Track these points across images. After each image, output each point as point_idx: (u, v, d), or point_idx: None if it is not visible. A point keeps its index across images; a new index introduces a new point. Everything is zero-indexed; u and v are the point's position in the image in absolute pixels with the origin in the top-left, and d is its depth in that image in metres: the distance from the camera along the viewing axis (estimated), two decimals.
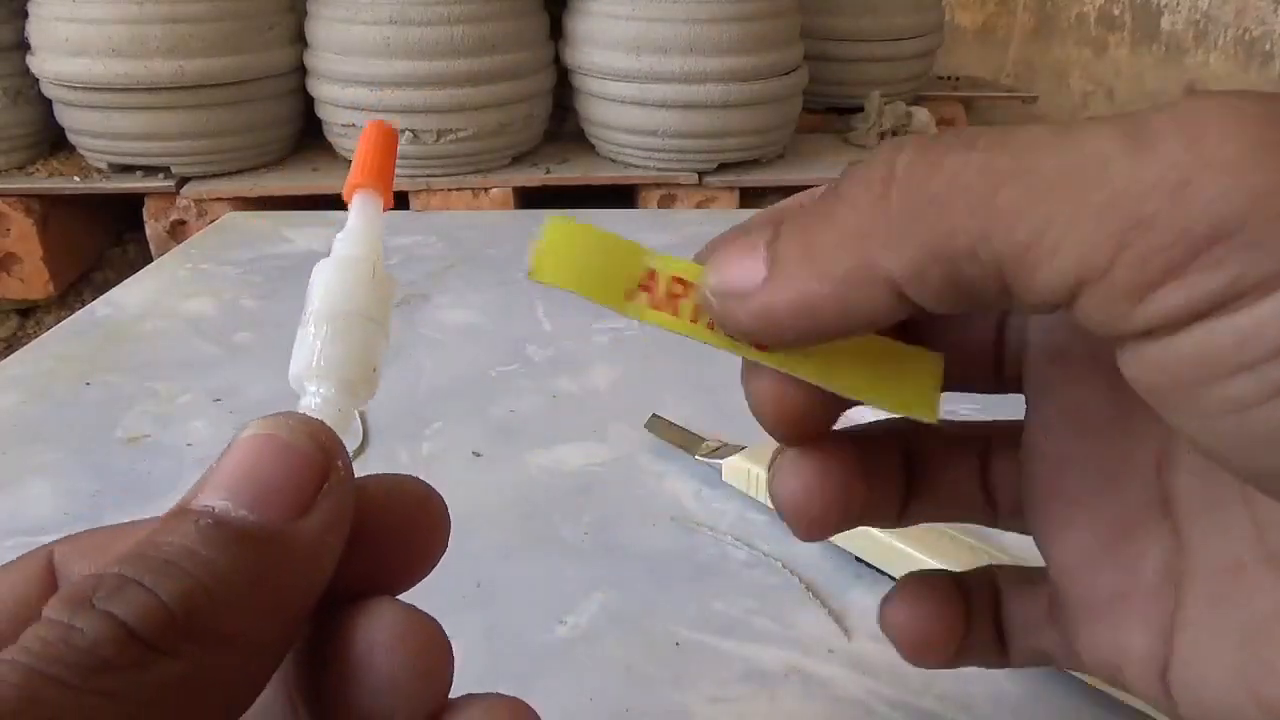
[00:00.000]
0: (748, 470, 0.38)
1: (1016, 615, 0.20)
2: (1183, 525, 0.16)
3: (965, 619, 0.21)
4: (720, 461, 0.39)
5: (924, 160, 0.14)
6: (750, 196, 1.44)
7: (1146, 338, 0.13)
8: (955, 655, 0.21)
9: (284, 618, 0.14)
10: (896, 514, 0.21)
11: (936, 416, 0.18)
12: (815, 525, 0.19)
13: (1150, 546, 0.16)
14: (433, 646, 0.15)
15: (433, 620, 0.15)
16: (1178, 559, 0.16)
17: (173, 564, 0.13)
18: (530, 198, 1.41)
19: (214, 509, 0.14)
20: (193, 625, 0.12)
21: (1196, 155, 0.12)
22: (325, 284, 0.18)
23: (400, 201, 1.39)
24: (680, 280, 0.18)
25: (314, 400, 0.17)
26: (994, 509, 0.21)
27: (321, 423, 0.15)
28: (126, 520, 0.17)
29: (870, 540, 0.34)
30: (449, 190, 1.38)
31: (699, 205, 1.41)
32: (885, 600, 0.21)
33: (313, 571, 0.14)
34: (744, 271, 0.16)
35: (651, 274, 0.18)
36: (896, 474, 0.20)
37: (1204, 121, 0.12)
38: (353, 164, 0.19)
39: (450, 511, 0.18)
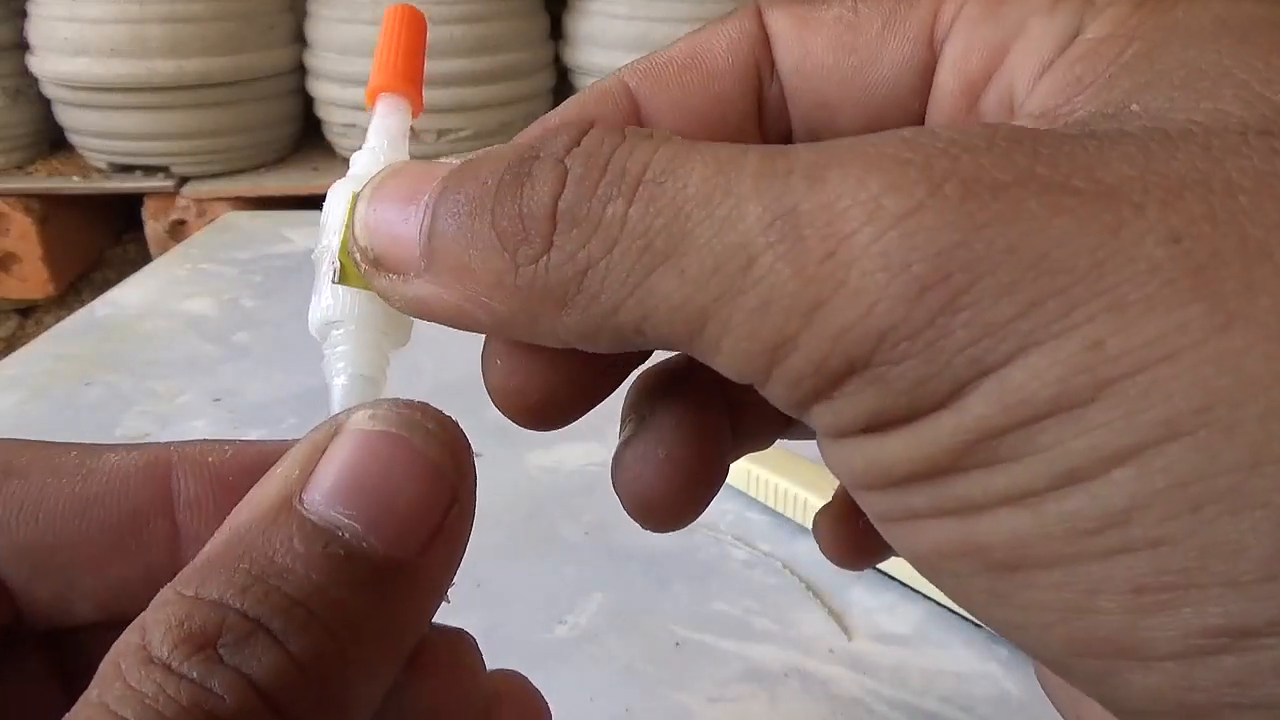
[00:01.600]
0: (748, 471, 0.38)
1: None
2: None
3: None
4: None
5: (584, 208, 0.12)
6: None
7: (824, 436, 0.13)
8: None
9: (397, 665, 0.12)
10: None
11: None
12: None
13: None
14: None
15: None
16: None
17: (301, 607, 0.11)
18: None
19: (342, 531, 0.12)
20: (326, 690, 0.11)
21: (838, 258, 0.11)
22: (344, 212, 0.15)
23: None
24: None
25: (342, 349, 0.15)
26: None
27: (454, 424, 0.13)
28: None
29: None
30: None
31: None
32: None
33: (428, 615, 0.13)
34: (398, 247, 0.13)
35: None
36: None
37: (856, 195, 0.11)
38: (374, 59, 0.16)
39: None
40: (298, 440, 0.13)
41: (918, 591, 0.33)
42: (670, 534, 0.38)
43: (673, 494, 0.17)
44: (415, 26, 0.16)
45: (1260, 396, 0.10)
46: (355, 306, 0.15)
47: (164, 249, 1.33)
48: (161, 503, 0.14)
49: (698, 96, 0.16)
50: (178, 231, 1.38)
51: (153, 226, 1.39)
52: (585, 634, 0.32)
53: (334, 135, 1.41)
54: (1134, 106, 0.11)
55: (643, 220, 0.12)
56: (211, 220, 0.80)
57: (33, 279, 1.40)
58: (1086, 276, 0.10)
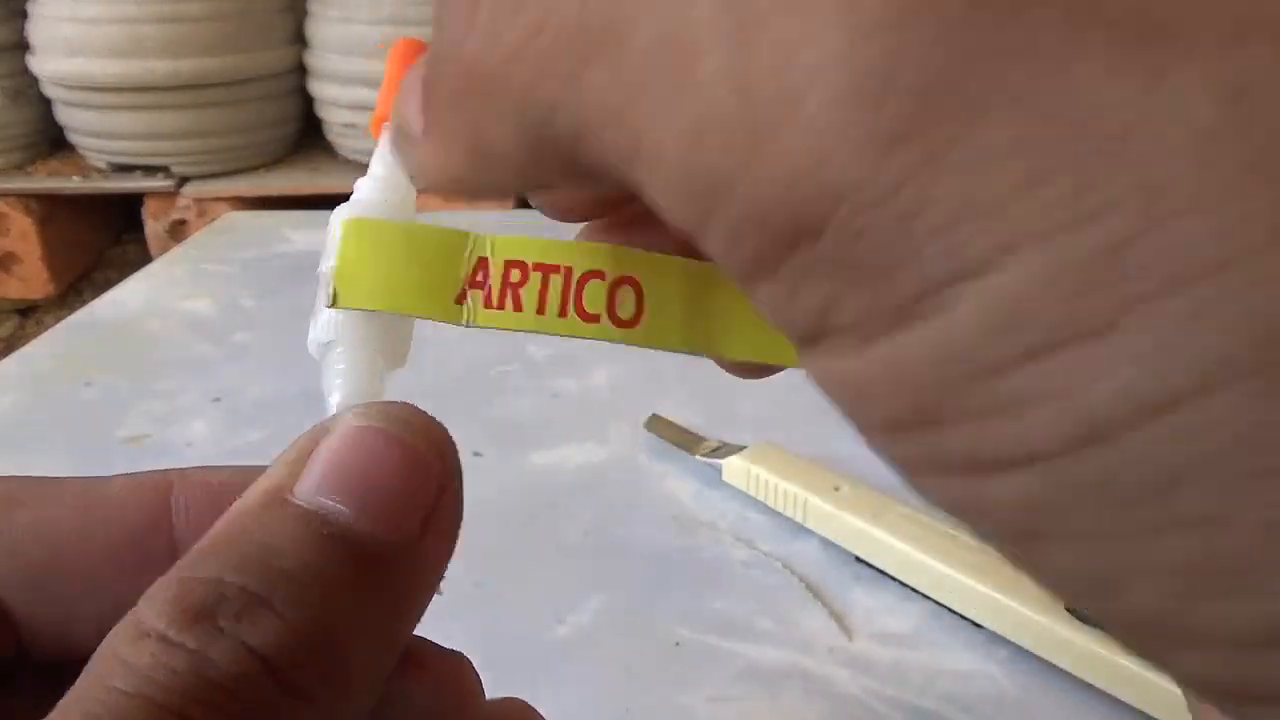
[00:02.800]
0: (748, 470, 0.38)
1: None
2: None
3: None
4: (720, 461, 0.39)
5: None
6: None
7: (785, 333, 0.10)
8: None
9: (394, 656, 0.12)
10: None
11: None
12: None
13: None
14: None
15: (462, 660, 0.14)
16: None
17: (296, 580, 0.11)
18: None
19: (335, 514, 0.12)
20: (327, 663, 0.11)
21: (794, 74, 0.08)
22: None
23: None
24: (517, 264, 0.15)
25: (339, 368, 0.15)
26: None
27: (438, 424, 0.13)
28: None
29: (870, 539, 0.34)
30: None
31: None
32: None
33: (424, 600, 0.13)
34: (410, 110, 0.12)
35: (482, 264, 0.15)
36: None
37: None
38: (379, 94, 0.16)
39: None
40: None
41: (918, 592, 0.33)
42: (670, 534, 0.38)
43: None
44: (417, 58, 0.17)
45: None
46: (351, 328, 0.15)
47: (164, 249, 1.33)
48: (161, 523, 0.14)
49: None
50: (178, 231, 1.38)
51: (153, 226, 1.39)
52: (585, 634, 0.32)
53: (334, 135, 1.41)
54: None
55: None
56: (212, 220, 0.80)
57: (33, 279, 1.40)
58: (1111, 145, 0.07)
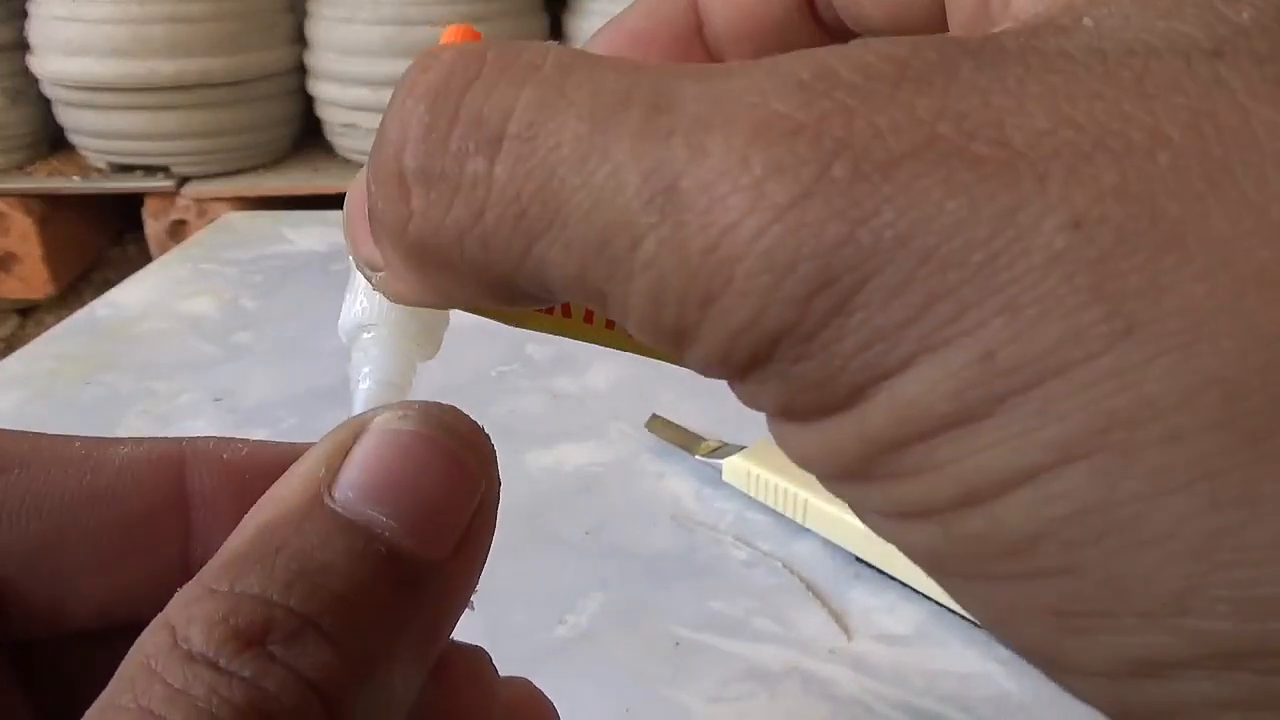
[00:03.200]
0: (748, 470, 0.38)
1: None
2: None
3: None
4: (720, 461, 0.39)
5: (437, 165, 0.11)
6: None
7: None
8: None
9: (428, 668, 0.12)
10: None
11: None
12: None
13: None
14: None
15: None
16: None
17: (348, 604, 0.11)
18: None
19: (383, 531, 0.11)
20: (373, 690, 0.11)
21: (722, 253, 0.10)
22: None
23: None
24: None
25: (371, 353, 0.15)
26: None
27: (482, 432, 0.13)
28: None
29: (871, 539, 0.34)
30: None
31: None
32: None
33: (457, 612, 0.13)
34: (366, 251, 0.13)
35: None
36: None
37: (738, 178, 0.10)
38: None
39: None
40: (314, 443, 0.13)
41: (918, 592, 0.33)
42: (670, 534, 0.38)
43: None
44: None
45: (1161, 418, 0.09)
46: (388, 311, 0.15)
47: (164, 249, 1.33)
48: (175, 499, 0.14)
49: None
50: (178, 231, 1.38)
51: (153, 226, 1.39)
52: (585, 634, 0.32)
53: (334, 135, 1.41)
54: (1087, 20, 0.10)
55: (511, 183, 0.10)
56: (212, 220, 0.80)
57: (33, 279, 1.40)
58: (979, 274, 0.09)
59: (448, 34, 0.16)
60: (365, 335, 0.15)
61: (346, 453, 0.12)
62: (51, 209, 1.40)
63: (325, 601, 0.11)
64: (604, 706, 0.30)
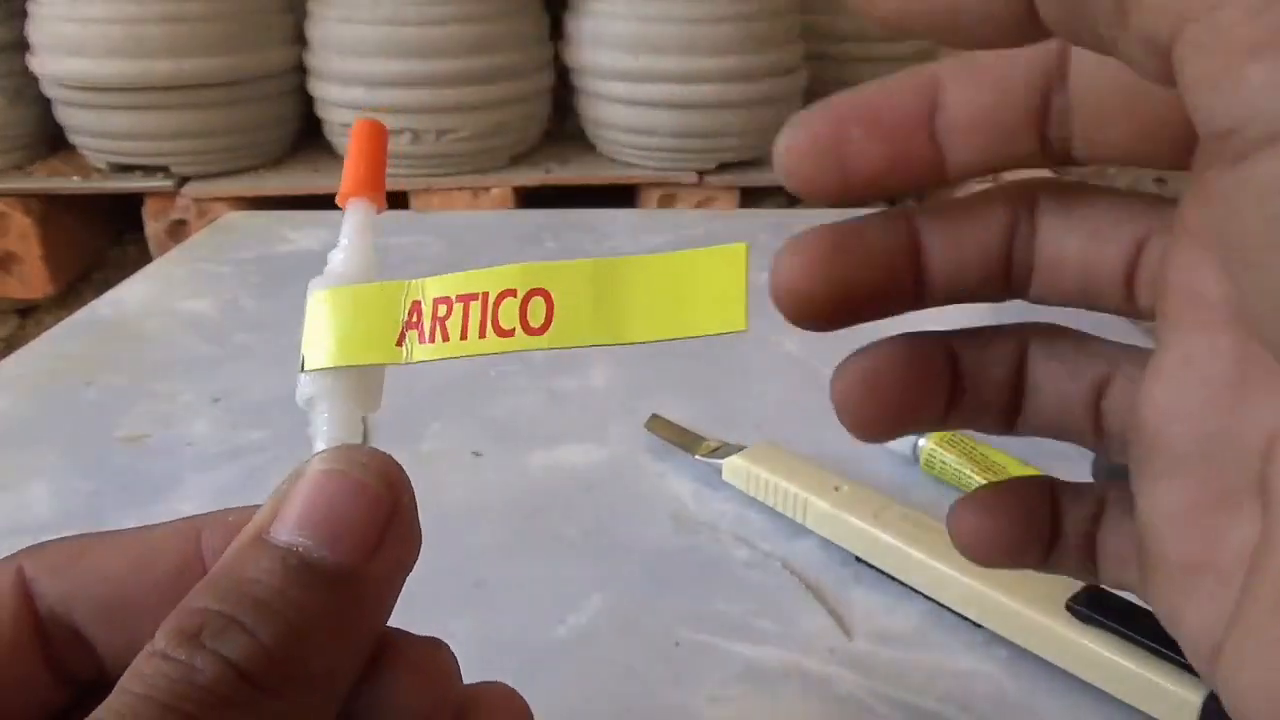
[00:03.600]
0: (747, 470, 0.38)
1: (1108, 543, 0.19)
2: (1272, 519, 0.14)
3: (1044, 527, 0.19)
4: (720, 461, 0.39)
5: None
6: (750, 196, 1.44)
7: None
8: (1039, 562, 0.19)
9: (357, 656, 0.15)
10: (1002, 418, 0.19)
11: (745, 323, 0.16)
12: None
13: (1237, 527, 0.15)
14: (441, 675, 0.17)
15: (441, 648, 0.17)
16: (1260, 552, 0.14)
17: (265, 605, 0.14)
18: (530, 198, 1.41)
19: (298, 548, 0.15)
20: (290, 667, 0.14)
21: None
22: None
23: (400, 201, 1.39)
24: (444, 300, 0.17)
25: (322, 417, 0.18)
26: (1101, 435, 0.19)
27: (388, 458, 0.16)
28: (128, 522, 0.18)
29: (870, 539, 0.34)
30: (449, 190, 1.38)
31: (699, 205, 1.41)
32: (959, 503, 0.20)
33: (381, 609, 0.15)
34: None
35: (415, 307, 0.17)
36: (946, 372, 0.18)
37: None
38: (344, 168, 0.20)
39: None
40: None
41: (917, 591, 0.33)
42: (670, 534, 0.38)
43: (880, 399, 0.18)
44: (377, 138, 0.20)
45: None
46: (324, 385, 0.17)
47: (164, 249, 1.33)
48: (194, 561, 0.17)
49: (988, 91, 0.15)
50: (178, 231, 1.38)
51: (153, 226, 1.39)
52: (585, 634, 0.32)
53: (334, 135, 1.41)
54: None
55: None
56: (212, 220, 0.80)
57: (32, 279, 1.40)
58: None
59: (359, 125, 0.20)
60: (315, 406, 0.18)
61: (285, 499, 0.15)
62: (51, 209, 1.40)
63: (248, 604, 0.14)
64: (604, 707, 0.30)
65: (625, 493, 0.40)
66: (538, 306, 0.16)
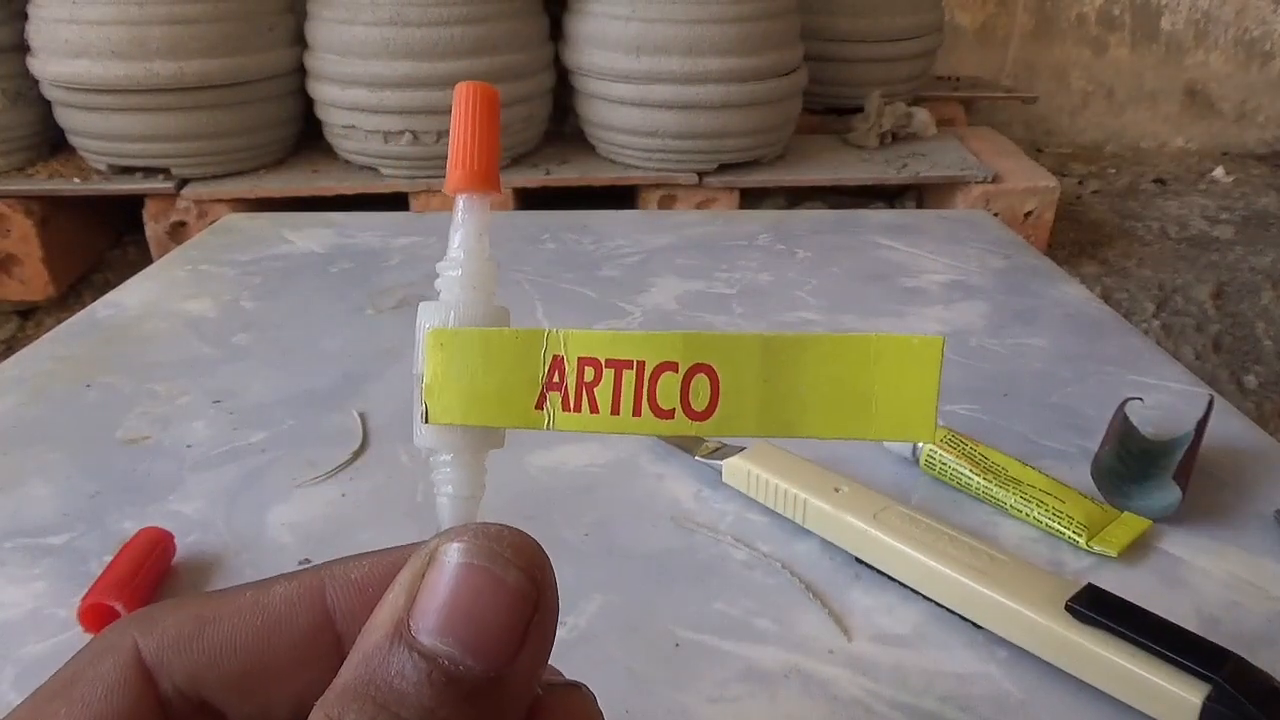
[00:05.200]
0: (747, 471, 0.38)
1: None
2: None
3: None
4: (720, 462, 0.39)
5: None
6: (750, 197, 1.44)
7: None
8: None
9: None
10: None
11: (934, 434, 0.15)
12: None
13: None
14: None
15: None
16: None
17: None
18: (530, 198, 1.41)
19: (443, 660, 0.14)
20: None
21: None
22: None
23: (400, 203, 1.39)
24: (591, 361, 0.15)
25: (446, 475, 0.17)
26: None
27: (530, 545, 0.15)
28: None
29: (870, 540, 0.34)
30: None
31: (699, 205, 1.41)
32: None
33: (523, 702, 0.15)
34: None
35: (557, 363, 0.16)
36: None
37: None
38: (451, 148, 0.17)
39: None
40: (415, 545, 0.16)
41: (917, 593, 0.33)
42: (670, 535, 0.38)
43: None
44: (491, 107, 0.17)
45: None
46: (447, 437, 0.17)
47: (164, 250, 1.33)
48: (323, 620, 0.17)
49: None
50: (178, 233, 1.38)
51: (153, 228, 1.39)
52: (585, 635, 0.32)
53: (334, 137, 1.41)
54: None
55: None
56: (212, 222, 0.80)
57: (33, 281, 1.40)
58: None
59: (463, 89, 0.17)
60: (440, 457, 0.17)
61: (420, 579, 0.15)
62: (52, 211, 1.40)
63: None
64: (604, 707, 0.30)
65: (625, 494, 0.40)
66: (701, 386, 0.15)
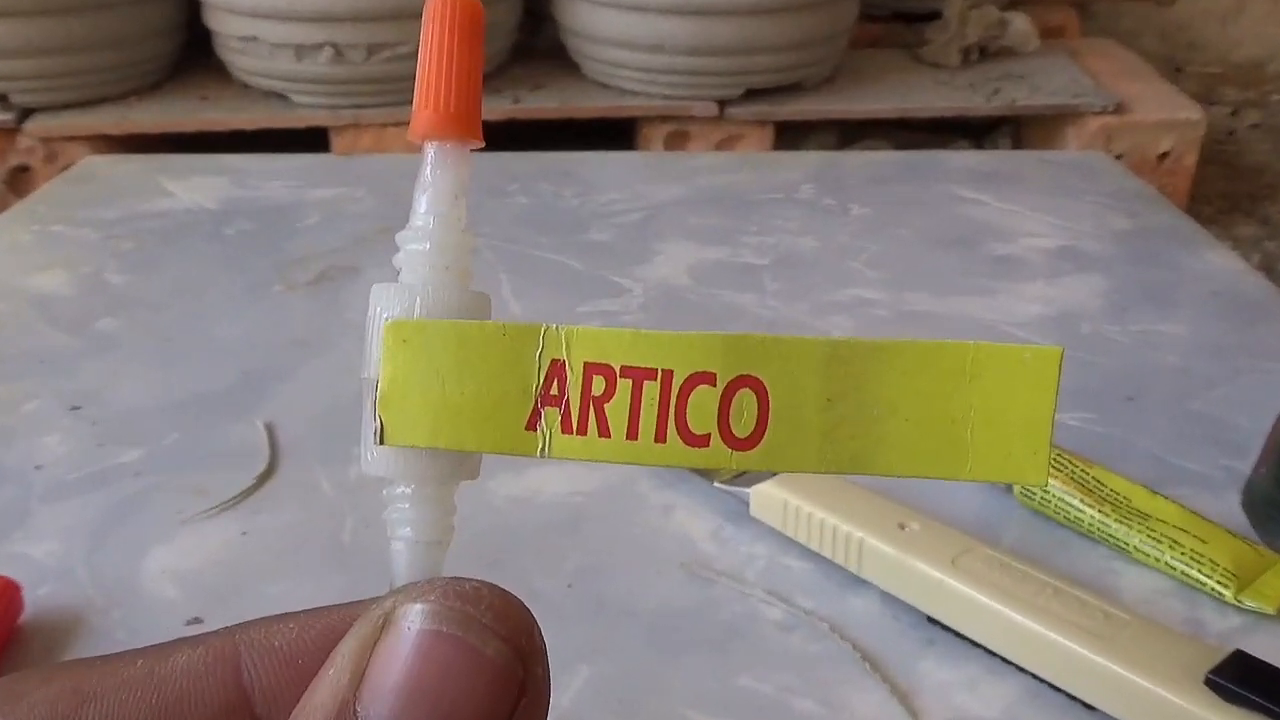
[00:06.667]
0: (784, 501, 0.38)
1: None
2: None
3: None
4: (747, 490, 0.40)
5: None
6: (789, 134, 1.44)
7: None
8: None
9: None
10: None
11: (1046, 474, 0.15)
12: None
13: None
14: None
15: None
16: None
17: None
18: (493, 135, 1.40)
19: None
20: None
21: None
22: None
23: (318, 141, 1.39)
24: (601, 368, 0.16)
25: (404, 511, 0.17)
26: None
27: (519, 610, 0.15)
28: None
29: (947, 594, 0.35)
30: (382, 126, 1.38)
31: (720, 146, 1.41)
32: None
33: None
34: None
35: (557, 370, 0.16)
36: None
37: None
38: (419, 82, 0.17)
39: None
40: (360, 605, 0.16)
41: (1009, 662, 0.34)
42: (680, 587, 0.38)
43: None
44: (472, 31, 0.17)
45: None
46: (407, 464, 0.17)
47: (2, 206, 1.33)
48: (238, 699, 0.17)
49: None
50: (19, 181, 1.38)
51: None
52: (568, 718, 0.33)
53: (228, 53, 1.41)
54: None
55: None
56: (65, 167, 0.80)
57: None
58: None
59: (433, 6, 0.17)
60: (397, 490, 0.17)
61: (370, 651, 0.15)
62: None
63: None
64: None
65: (621, 532, 0.40)
66: (746, 405, 0.15)
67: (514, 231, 0.64)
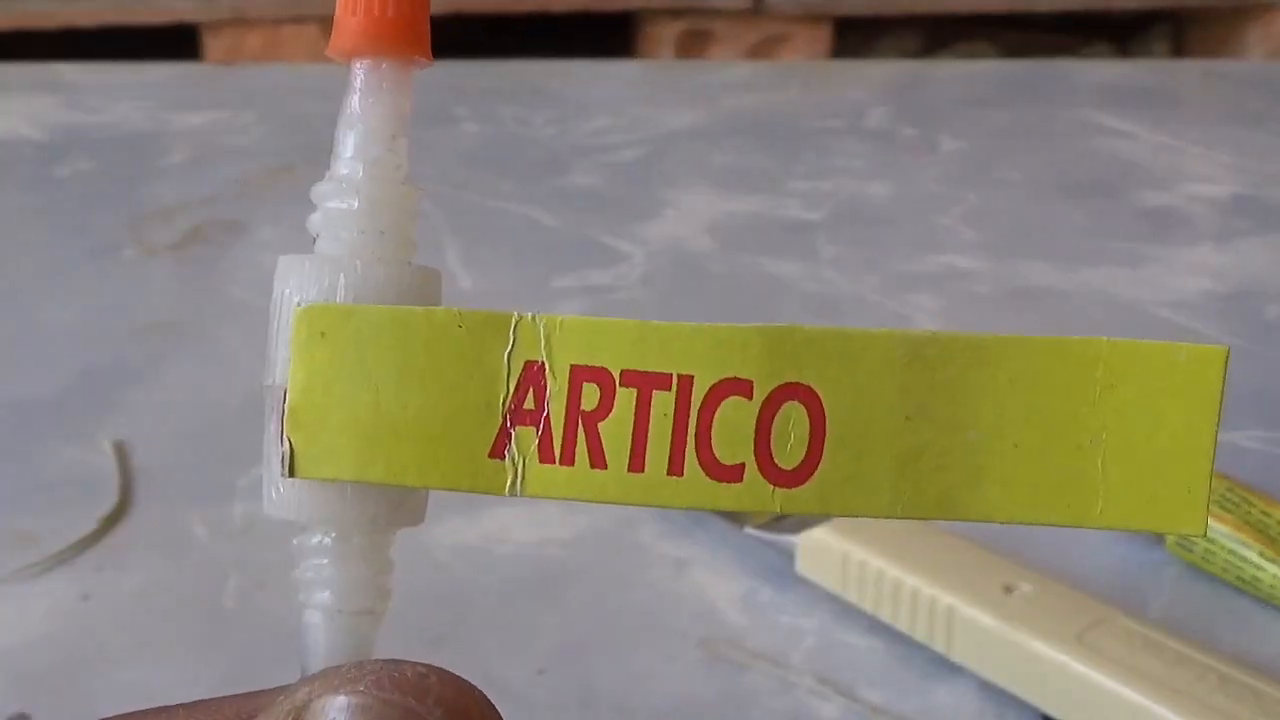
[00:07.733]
0: (843, 555, 0.39)
1: None
2: None
3: None
4: (793, 538, 0.40)
5: None
6: (852, 35, 1.44)
7: None
8: None
9: None
10: None
11: (1203, 523, 0.15)
12: None
13: None
14: None
15: None
16: None
17: None
18: (435, 39, 1.41)
19: None
20: None
21: None
22: None
23: (185, 46, 1.39)
24: (594, 373, 0.16)
25: (315, 561, 0.17)
26: None
27: (476, 701, 0.16)
28: None
29: (1072, 681, 0.35)
30: (276, 23, 1.38)
31: (755, 54, 1.41)
32: None
33: None
34: None
35: (531, 374, 0.16)
36: None
37: None
38: None
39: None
40: (265, 694, 0.16)
41: None
42: (699, 672, 0.38)
43: None
44: None
45: None
46: (326, 505, 0.17)
47: None
48: None
49: None
50: None
51: None
52: None
53: None
54: None
55: None
56: None
57: None
58: None
59: None
60: (312, 540, 0.17)
61: None
62: None
63: None
64: None
65: (614, 597, 0.41)
66: (795, 422, 0.15)
67: (462, 174, 0.64)
